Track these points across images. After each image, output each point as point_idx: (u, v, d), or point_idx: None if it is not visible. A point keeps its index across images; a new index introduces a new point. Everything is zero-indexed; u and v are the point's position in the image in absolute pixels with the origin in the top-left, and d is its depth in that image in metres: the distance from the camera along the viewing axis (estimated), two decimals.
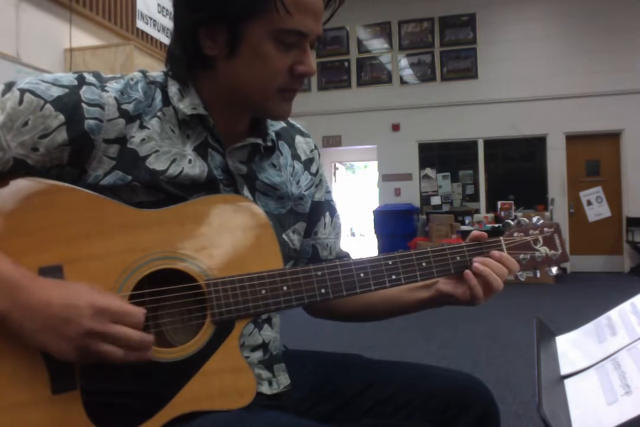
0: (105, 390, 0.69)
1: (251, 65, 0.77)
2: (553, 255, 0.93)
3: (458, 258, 0.87)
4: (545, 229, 0.93)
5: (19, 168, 0.72)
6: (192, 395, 0.72)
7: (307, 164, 0.97)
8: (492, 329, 4.11)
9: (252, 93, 0.80)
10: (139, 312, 0.68)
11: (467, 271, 0.86)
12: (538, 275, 0.92)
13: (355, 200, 13.59)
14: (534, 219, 0.93)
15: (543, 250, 0.92)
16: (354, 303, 0.96)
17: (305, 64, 0.79)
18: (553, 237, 0.93)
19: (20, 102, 0.71)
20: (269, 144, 0.89)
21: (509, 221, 0.92)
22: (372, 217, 8.09)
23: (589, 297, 5.46)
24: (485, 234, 0.90)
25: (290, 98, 0.83)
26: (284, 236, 0.90)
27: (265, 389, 0.86)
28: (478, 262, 0.86)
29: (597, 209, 7.72)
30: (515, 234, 0.91)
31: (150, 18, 4.94)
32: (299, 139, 0.98)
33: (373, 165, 10.05)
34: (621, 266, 7.83)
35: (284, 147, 0.94)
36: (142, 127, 0.78)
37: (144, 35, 4.89)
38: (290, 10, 0.73)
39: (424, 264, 0.85)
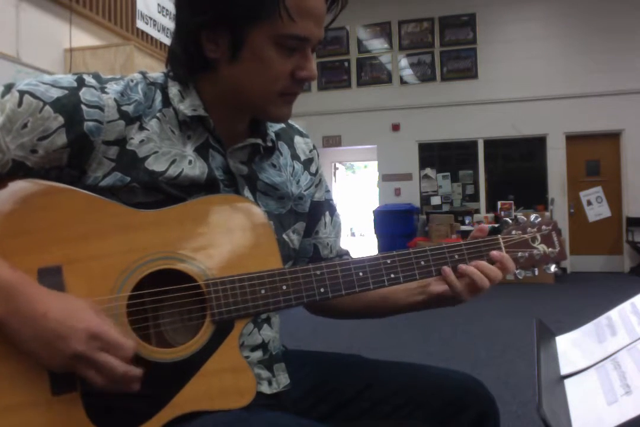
0: (106, 391, 0.69)
1: (253, 69, 0.77)
2: (551, 253, 0.93)
3: (456, 257, 0.87)
4: (543, 227, 0.93)
5: (18, 170, 0.72)
6: (192, 395, 0.72)
7: (307, 164, 0.98)
8: (492, 329, 4.11)
9: (254, 96, 0.80)
10: (131, 346, 0.67)
11: (445, 267, 0.85)
12: (536, 273, 0.93)
13: (355, 200, 13.60)
14: (532, 217, 0.94)
15: (541, 248, 0.92)
16: (354, 302, 0.96)
17: (307, 69, 0.79)
18: (551, 235, 0.94)
19: (20, 103, 0.71)
20: (269, 144, 0.89)
21: (507, 219, 0.93)
22: (372, 217, 8.09)
23: (589, 297, 5.46)
24: (485, 227, 0.90)
25: (290, 101, 0.83)
26: (284, 236, 0.90)
27: (264, 388, 0.86)
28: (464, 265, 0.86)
29: (597, 209, 7.71)
30: (513, 232, 0.92)
31: (150, 18, 4.94)
32: (297, 139, 0.98)
33: (373, 165, 10.05)
34: (621, 266, 7.83)
35: (283, 147, 0.94)
36: (141, 128, 0.78)
37: (144, 35, 4.89)
38: (293, 16, 0.73)
39: (422, 262, 0.85)
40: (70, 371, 0.66)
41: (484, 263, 0.86)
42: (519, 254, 0.91)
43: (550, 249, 0.93)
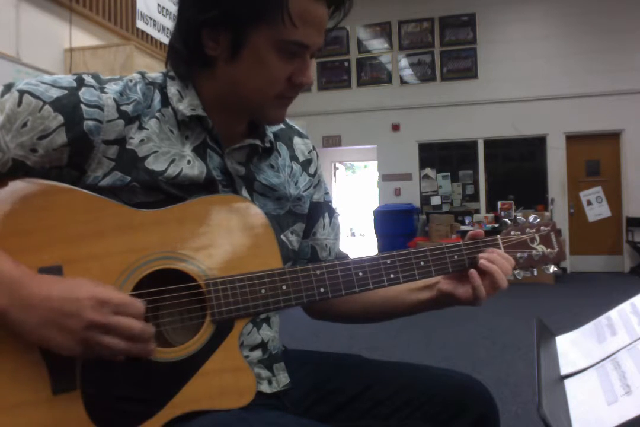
0: (106, 390, 0.69)
1: (251, 71, 0.78)
2: (550, 253, 0.93)
3: (456, 257, 0.87)
4: (542, 228, 0.93)
5: (18, 169, 0.72)
6: (192, 395, 0.72)
7: (305, 165, 0.97)
8: (492, 329, 4.11)
9: (249, 97, 0.80)
10: (139, 303, 0.68)
11: (472, 271, 0.85)
12: (535, 273, 0.93)
13: (355, 200, 13.60)
14: (531, 217, 0.94)
15: (540, 248, 0.93)
16: (354, 304, 0.96)
17: (304, 75, 0.79)
18: (550, 236, 0.94)
19: (19, 103, 0.71)
20: (267, 145, 0.89)
21: (506, 220, 0.93)
22: (372, 217, 8.09)
23: (589, 297, 5.46)
24: (481, 231, 0.90)
25: (286, 104, 0.83)
26: (283, 237, 0.90)
27: (264, 387, 0.86)
28: (484, 259, 0.86)
29: (597, 209, 7.71)
30: (512, 233, 0.92)
31: (150, 18, 4.94)
32: (297, 140, 0.98)
33: (373, 165, 10.05)
34: (621, 266, 7.83)
35: (282, 148, 0.94)
36: (141, 128, 0.78)
37: (144, 35, 4.88)
38: (296, 23, 0.74)
39: (422, 262, 0.85)
40: (84, 351, 0.66)
41: (498, 258, 0.86)
42: (518, 254, 0.91)
43: (549, 250, 0.93)
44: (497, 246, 0.90)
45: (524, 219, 0.93)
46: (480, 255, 0.87)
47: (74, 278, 0.69)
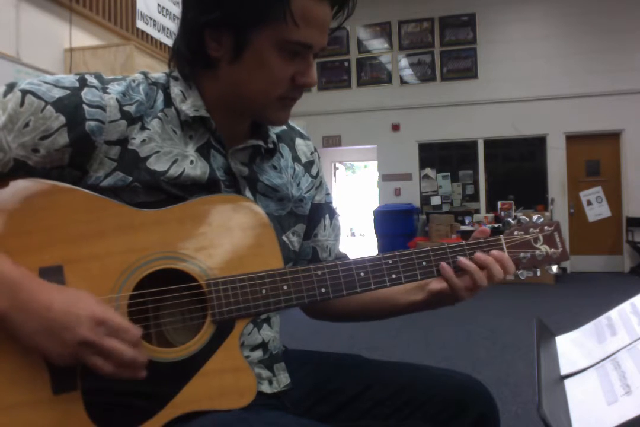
0: (106, 390, 0.69)
1: (254, 72, 0.77)
2: (553, 253, 0.93)
3: (458, 257, 0.87)
4: (546, 228, 0.93)
5: (20, 169, 0.72)
6: (192, 395, 0.72)
7: (308, 166, 0.98)
8: (492, 329, 4.11)
9: (252, 98, 0.80)
10: (136, 330, 0.68)
11: (442, 263, 0.85)
12: (539, 274, 0.92)
13: (355, 200, 13.60)
14: (535, 217, 0.93)
15: (543, 248, 0.92)
16: (350, 304, 0.96)
17: (307, 75, 0.79)
18: (553, 236, 0.93)
19: (22, 103, 0.71)
20: (270, 146, 0.89)
21: (510, 220, 0.92)
22: (372, 217, 8.09)
23: (589, 297, 5.46)
24: (487, 229, 0.90)
25: (289, 106, 0.83)
26: (284, 238, 0.90)
27: (265, 388, 0.86)
28: (465, 258, 0.85)
29: (597, 209, 7.72)
30: (516, 233, 0.91)
31: (150, 18, 4.94)
32: (299, 141, 0.98)
33: (373, 165, 10.05)
34: (621, 266, 7.83)
35: (284, 149, 0.94)
36: (143, 128, 0.78)
37: (144, 35, 4.88)
38: (298, 23, 0.74)
39: (424, 263, 0.85)
40: (77, 363, 0.66)
41: (486, 258, 0.85)
42: (521, 254, 0.90)
43: (552, 250, 0.93)
44: (499, 246, 0.89)
45: (527, 219, 0.93)
46: (476, 254, 0.86)
47: (77, 290, 0.69)
